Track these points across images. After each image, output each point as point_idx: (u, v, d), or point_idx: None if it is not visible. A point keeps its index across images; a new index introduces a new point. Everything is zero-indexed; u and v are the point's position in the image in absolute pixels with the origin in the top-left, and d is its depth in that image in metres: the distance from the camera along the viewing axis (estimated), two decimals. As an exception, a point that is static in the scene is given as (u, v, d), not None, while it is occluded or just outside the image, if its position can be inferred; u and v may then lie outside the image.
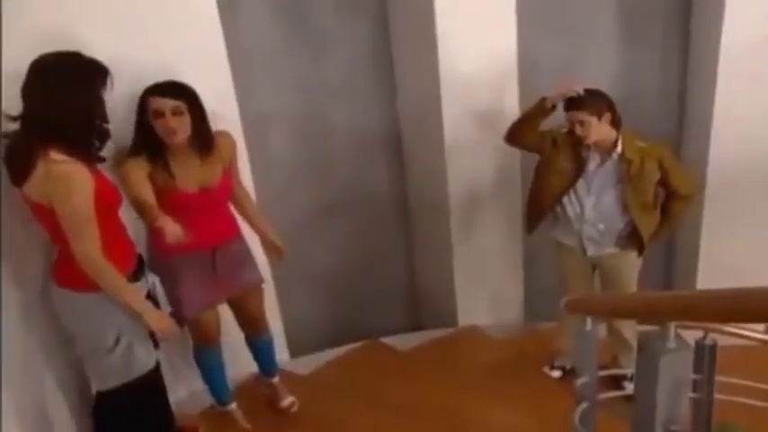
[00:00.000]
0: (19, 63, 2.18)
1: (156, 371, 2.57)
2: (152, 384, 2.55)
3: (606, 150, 3.17)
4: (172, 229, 2.40)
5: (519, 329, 4.11)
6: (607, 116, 3.08)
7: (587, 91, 3.07)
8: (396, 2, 3.66)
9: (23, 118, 2.16)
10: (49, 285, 2.42)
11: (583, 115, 3.05)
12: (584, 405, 2.01)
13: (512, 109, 3.60)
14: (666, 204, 3.31)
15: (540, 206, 3.37)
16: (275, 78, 3.55)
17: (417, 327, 4.31)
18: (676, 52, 3.95)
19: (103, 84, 2.21)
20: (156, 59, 2.68)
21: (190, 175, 2.68)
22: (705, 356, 1.64)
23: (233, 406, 3.20)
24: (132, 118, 2.59)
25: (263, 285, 3.13)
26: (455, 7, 3.33)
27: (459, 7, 3.33)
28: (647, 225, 3.25)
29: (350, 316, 4.18)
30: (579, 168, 3.21)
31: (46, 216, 2.20)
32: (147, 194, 2.54)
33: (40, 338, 2.50)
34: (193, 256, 2.79)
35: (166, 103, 2.52)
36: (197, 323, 2.92)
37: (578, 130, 3.08)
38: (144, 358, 2.47)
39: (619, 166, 3.16)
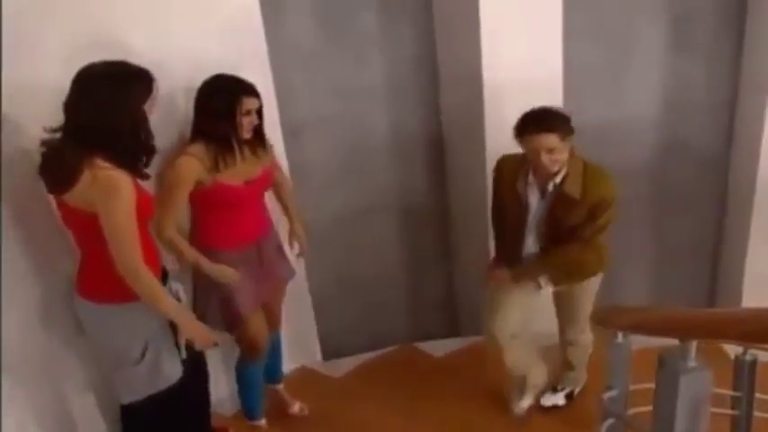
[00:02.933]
0: (57, 72, 2.20)
1: (186, 382, 2.52)
2: (180, 395, 2.50)
3: (546, 178, 2.82)
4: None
5: (554, 340, 4.03)
6: (570, 140, 2.72)
7: (546, 109, 2.71)
8: (441, 4, 3.63)
9: (67, 128, 2.14)
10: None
11: (553, 140, 2.67)
12: (610, 421, 1.97)
13: None
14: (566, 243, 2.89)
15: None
16: (315, 81, 3.55)
17: (454, 333, 4.27)
18: (727, 63, 3.84)
19: (149, 92, 2.21)
20: (199, 61, 2.72)
21: (237, 169, 2.72)
22: (744, 372, 1.59)
23: (262, 422, 3.22)
24: (169, 118, 2.65)
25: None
26: (500, 11, 3.29)
27: (505, 11, 3.28)
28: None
29: (385, 321, 4.16)
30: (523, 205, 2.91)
31: (82, 222, 2.19)
32: (175, 210, 2.65)
33: (63, 340, 2.52)
34: (241, 252, 2.83)
35: (255, 103, 2.67)
36: (247, 334, 2.92)
37: (545, 159, 2.69)
38: (169, 370, 2.43)
39: (552, 196, 2.83)
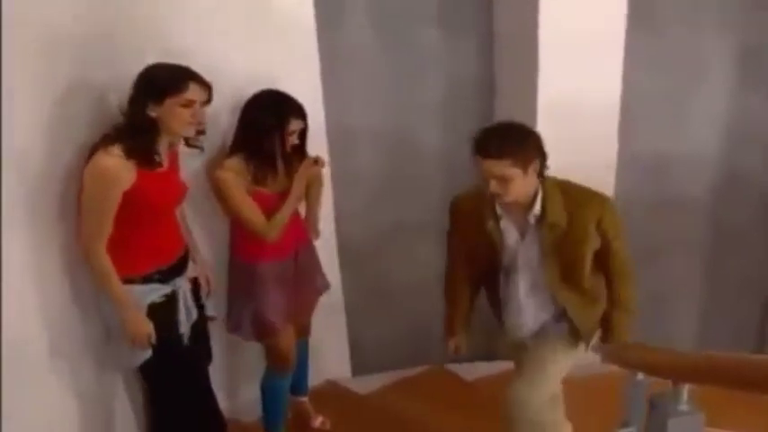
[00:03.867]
0: (104, 75, 2.29)
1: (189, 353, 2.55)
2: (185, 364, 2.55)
3: (521, 211, 2.39)
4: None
5: (594, 369, 3.91)
6: (535, 165, 2.28)
7: (505, 127, 2.31)
8: (502, 22, 3.57)
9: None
10: None
11: (504, 168, 2.21)
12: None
13: (609, 142, 3.46)
14: (609, 292, 2.54)
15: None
16: (368, 93, 3.53)
17: (490, 356, 4.10)
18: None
19: (175, 95, 2.23)
20: (253, 68, 2.77)
21: (275, 184, 2.74)
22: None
23: None
24: (213, 123, 2.65)
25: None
26: (560, 31, 3.21)
27: (565, 32, 3.20)
28: (584, 314, 2.53)
29: (420, 338, 4.06)
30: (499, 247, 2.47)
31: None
32: (249, 207, 2.66)
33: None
34: (279, 264, 2.83)
35: (300, 125, 2.70)
36: (276, 347, 2.91)
37: (494, 188, 2.25)
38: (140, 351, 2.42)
39: (538, 233, 2.40)
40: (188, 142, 2.44)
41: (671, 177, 3.86)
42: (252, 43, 2.81)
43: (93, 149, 2.20)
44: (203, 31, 2.66)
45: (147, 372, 2.49)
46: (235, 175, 2.62)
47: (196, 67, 2.28)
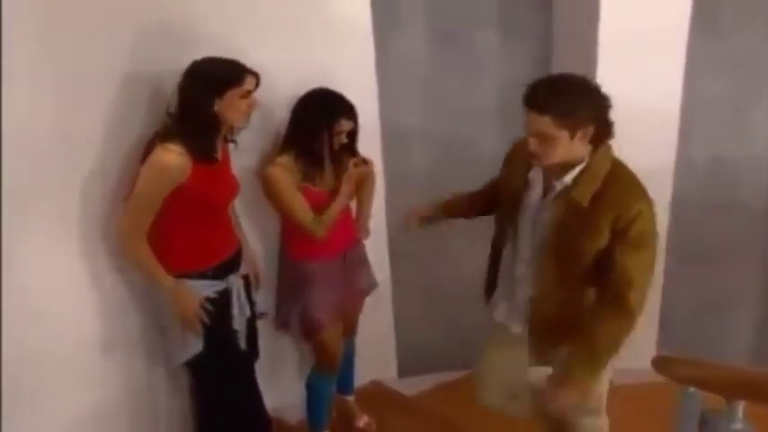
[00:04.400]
0: (157, 67, 2.32)
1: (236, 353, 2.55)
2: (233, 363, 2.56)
3: (555, 172, 2.08)
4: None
5: (648, 378, 3.81)
6: (587, 130, 1.97)
7: (564, 79, 1.99)
8: (561, 23, 3.52)
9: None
10: None
11: (545, 124, 1.94)
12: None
13: (669, 148, 3.40)
14: (595, 311, 2.11)
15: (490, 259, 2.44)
16: (424, 96, 3.53)
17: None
18: None
19: (235, 87, 2.24)
20: (308, 68, 2.78)
21: (324, 182, 2.75)
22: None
23: None
24: (267, 120, 2.73)
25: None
26: (621, 35, 3.15)
27: (626, 35, 3.14)
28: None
29: (469, 342, 3.96)
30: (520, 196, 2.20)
31: None
32: (301, 206, 2.66)
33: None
34: (328, 263, 2.84)
35: (349, 126, 2.68)
36: (322, 346, 2.91)
37: (532, 146, 2.00)
38: (190, 346, 2.42)
39: (556, 202, 2.09)
40: (225, 137, 2.43)
41: (730, 182, 3.76)
42: (307, 43, 2.82)
43: (149, 146, 2.22)
44: (258, 28, 2.67)
45: (197, 367, 2.50)
46: (285, 171, 2.63)
47: (251, 64, 2.29)
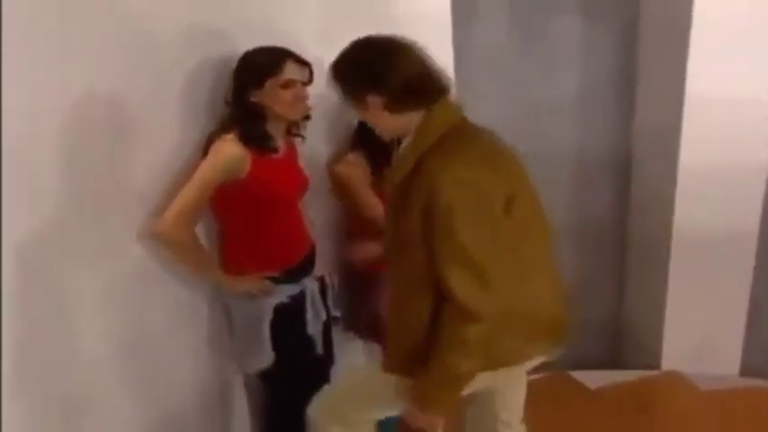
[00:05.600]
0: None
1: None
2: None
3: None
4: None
5: (731, 384, 3.66)
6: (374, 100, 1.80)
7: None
8: (650, 16, 3.40)
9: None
10: None
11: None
12: None
13: (760, 150, 3.25)
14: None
15: None
16: (500, 85, 3.46)
17: (615, 364, 4.03)
18: None
19: (274, 75, 2.18)
20: None
21: None
22: None
23: None
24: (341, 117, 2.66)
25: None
26: (716, 21, 3.01)
27: (721, 21, 2.99)
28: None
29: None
30: None
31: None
32: (375, 204, 2.58)
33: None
34: None
35: None
36: None
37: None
38: (258, 358, 2.35)
39: None
40: (290, 131, 2.36)
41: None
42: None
43: (210, 138, 2.18)
44: (326, 17, 2.61)
45: (269, 374, 2.40)
46: (356, 167, 2.59)
47: (316, 56, 2.22)
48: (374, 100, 1.79)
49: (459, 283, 1.71)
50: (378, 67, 1.78)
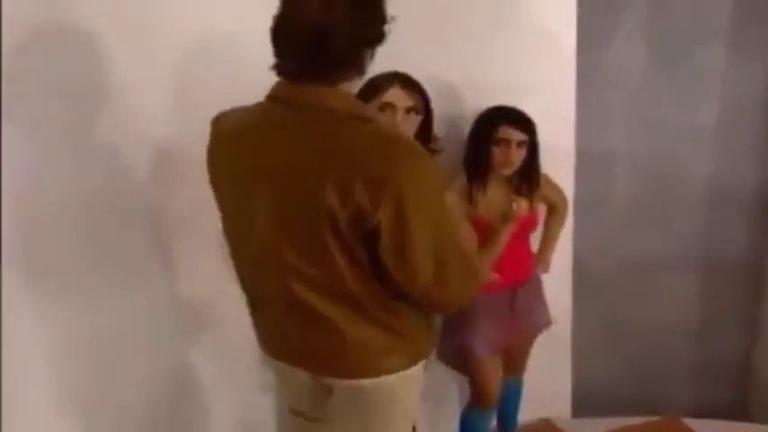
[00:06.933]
0: None
1: None
2: None
3: None
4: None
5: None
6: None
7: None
8: None
9: None
10: None
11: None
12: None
13: None
14: None
15: None
16: (631, 114, 3.34)
17: (740, 416, 3.73)
18: None
19: (374, 97, 2.15)
20: (504, 80, 2.64)
21: (491, 202, 2.53)
22: None
23: None
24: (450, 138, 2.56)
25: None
26: None
27: None
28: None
29: (653, 384, 3.78)
30: None
31: None
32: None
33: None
34: (490, 297, 2.56)
35: (515, 135, 2.43)
36: (478, 380, 2.72)
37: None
38: None
39: None
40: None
41: None
42: (501, 58, 2.66)
43: None
44: (447, 41, 2.54)
45: None
46: (456, 197, 2.48)
47: (429, 75, 2.20)
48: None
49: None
50: None
